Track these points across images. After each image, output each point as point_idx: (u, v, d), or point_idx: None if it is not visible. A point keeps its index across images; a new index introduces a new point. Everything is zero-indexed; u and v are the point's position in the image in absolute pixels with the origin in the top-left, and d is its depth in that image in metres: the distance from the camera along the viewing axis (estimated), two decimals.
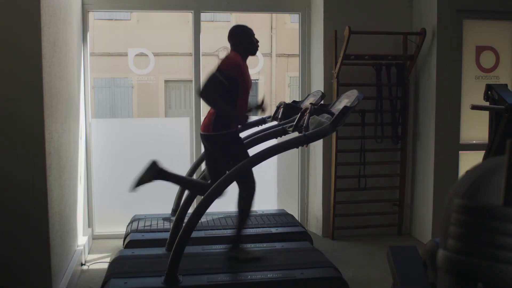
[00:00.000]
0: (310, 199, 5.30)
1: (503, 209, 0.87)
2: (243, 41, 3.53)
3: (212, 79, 3.35)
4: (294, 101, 4.31)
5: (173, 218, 4.06)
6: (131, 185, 3.51)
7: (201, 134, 3.59)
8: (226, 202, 4.83)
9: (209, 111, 3.58)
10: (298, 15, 5.25)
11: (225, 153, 3.53)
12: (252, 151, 3.56)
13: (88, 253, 4.57)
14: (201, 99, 3.59)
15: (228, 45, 3.56)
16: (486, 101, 3.62)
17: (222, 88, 3.37)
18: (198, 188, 3.76)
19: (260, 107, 3.85)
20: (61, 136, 3.58)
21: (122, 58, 5.29)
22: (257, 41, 3.61)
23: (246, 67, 3.54)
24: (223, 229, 4.40)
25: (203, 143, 3.66)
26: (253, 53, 3.61)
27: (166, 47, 6.51)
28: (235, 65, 3.41)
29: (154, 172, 3.48)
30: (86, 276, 3.99)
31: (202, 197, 3.32)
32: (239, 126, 3.64)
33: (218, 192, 3.29)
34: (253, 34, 3.59)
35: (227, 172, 3.39)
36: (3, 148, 2.97)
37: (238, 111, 3.45)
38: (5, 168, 2.99)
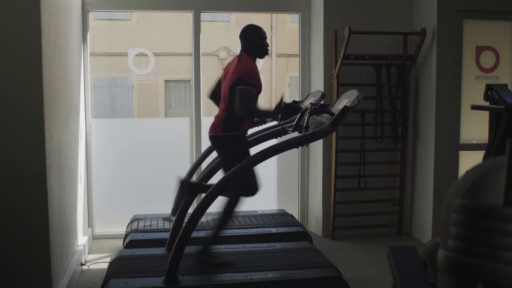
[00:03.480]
0: (310, 199, 5.30)
1: (503, 209, 0.87)
2: (255, 43, 3.52)
3: (247, 95, 3.33)
4: (294, 101, 4.31)
5: (173, 218, 4.07)
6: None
7: (210, 136, 3.57)
8: None
9: (218, 113, 3.57)
10: (298, 15, 5.25)
11: (231, 155, 3.51)
12: (252, 151, 3.56)
13: (88, 253, 4.57)
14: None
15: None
16: (486, 101, 3.62)
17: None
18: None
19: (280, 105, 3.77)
20: (61, 136, 3.59)
21: (122, 58, 5.29)
22: (268, 45, 3.61)
23: (257, 68, 3.57)
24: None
25: (212, 145, 3.65)
26: (262, 56, 3.61)
27: (166, 47, 6.51)
28: (255, 72, 3.43)
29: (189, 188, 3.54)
30: (86, 276, 3.99)
31: (203, 196, 3.33)
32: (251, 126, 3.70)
33: (217, 192, 3.29)
34: (265, 37, 3.59)
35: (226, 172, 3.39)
36: (3, 148, 2.97)
37: (271, 109, 3.50)
38: (5, 168, 2.99)
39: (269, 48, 3.63)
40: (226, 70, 3.64)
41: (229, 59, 3.77)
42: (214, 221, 4.57)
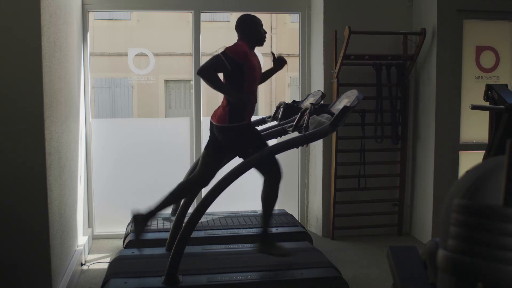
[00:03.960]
0: (310, 199, 5.30)
1: (503, 209, 0.87)
2: (250, 31, 3.47)
3: (215, 60, 3.30)
4: (294, 101, 4.31)
5: (173, 218, 4.06)
6: (136, 236, 3.44)
7: (215, 126, 3.44)
8: (226, 202, 4.84)
9: (222, 102, 3.48)
10: (298, 15, 5.25)
11: (244, 143, 3.45)
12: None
13: (88, 253, 4.57)
14: (201, 79, 3.47)
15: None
16: (486, 101, 3.62)
17: (226, 72, 3.34)
18: (182, 191, 3.62)
19: (276, 60, 3.69)
20: (61, 136, 3.59)
21: (122, 58, 5.29)
22: (265, 32, 3.57)
23: (255, 56, 3.48)
24: (223, 229, 4.40)
25: (216, 135, 3.49)
26: (260, 43, 3.55)
27: (166, 47, 6.51)
28: (241, 51, 3.34)
29: (142, 221, 3.41)
30: (86, 276, 3.99)
31: (203, 197, 3.32)
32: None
33: (217, 192, 3.28)
34: (261, 25, 3.53)
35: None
36: (3, 148, 2.97)
37: (234, 90, 3.34)
38: (5, 168, 2.99)
39: (266, 35, 3.58)
40: None
41: None
42: (233, 220, 4.57)
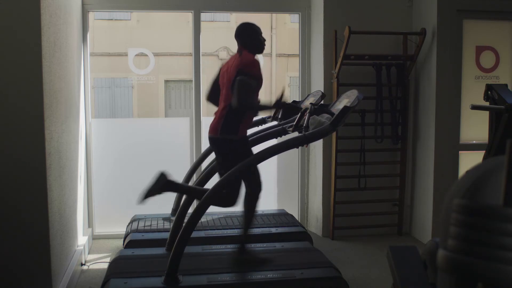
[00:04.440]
0: (310, 199, 5.30)
1: (503, 209, 0.87)
2: (250, 39, 3.50)
3: (247, 87, 3.28)
4: (294, 101, 4.31)
5: (173, 218, 4.07)
6: (140, 197, 3.43)
7: (209, 137, 3.54)
8: None
9: (217, 114, 3.50)
10: (298, 15, 5.25)
11: (228, 157, 3.46)
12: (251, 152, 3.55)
13: (88, 253, 4.57)
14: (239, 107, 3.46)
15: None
16: (486, 101, 3.62)
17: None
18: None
19: (280, 100, 3.63)
20: (61, 136, 3.58)
21: (122, 58, 5.29)
22: (264, 40, 3.59)
23: (259, 63, 3.52)
24: (223, 229, 4.40)
25: (211, 146, 3.61)
26: (260, 51, 3.57)
27: (166, 47, 6.50)
28: (257, 64, 3.38)
29: (162, 184, 3.37)
30: (86, 276, 3.99)
31: (203, 197, 3.32)
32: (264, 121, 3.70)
33: (217, 192, 3.28)
34: (260, 33, 3.57)
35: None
36: (3, 147, 2.97)
37: (271, 104, 3.44)
38: (5, 168, 2.99)
39: (265, 42, 3.60)
40: (225, 68, 3.59)
41: (228, 58, 3.74)
42: (233, 220, 4.58)
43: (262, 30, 3.62)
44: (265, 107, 3.47)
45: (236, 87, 3.28)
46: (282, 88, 3.55)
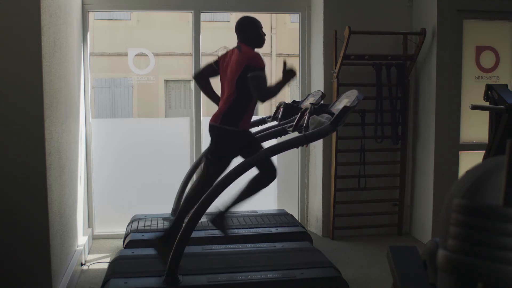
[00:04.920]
0: (310, 199, 5.30)
1: (503, 209, 0.87)
2: (250, 33, 3.50)
3: (262, 80, 3.33)
4: (294, 101, 4.31)
5: (173, 218, 4.06)
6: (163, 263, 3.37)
7: (209, 125, 3.52)
8: None
9: (220, 105, 3.52)
10: (298, 15, 5.25)
11: (220, 147, 3.48)
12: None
13: (88, 253, 4.57)
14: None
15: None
16: (486, 101, 3.61)
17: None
18: (199, 190, 3.63)
19: (286, 71, 3.56)
20: (61, 136, 3.58)
21: (122, 58, 5.29)
22: (264, 34, 3.58)
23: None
24: None
25: (209, 133, 3.56)
26: (260, 45, 3.57)
27: (166, 47, 6.51)
28: (260, 56, 3.40)
29: (165, 244, 3.40)
30: (86, 276, 3.99)
31: (204, 196, 3.32)
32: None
33: (217, 192, 3.28)
34: (261, 27, 3.56)
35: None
36: (3, 148, 2.97)
37: (280, 80, 3.44)
38: (5, 168, 2.99)
39: (265, 36, 3.60)
40: (223, 60, 3.58)
41: (225, 51, 3.72)
42: (233, 220, 4.58)
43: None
44: (279, 86, 3.44)
45: (254, 84, 3.32)
46: (283, 60, 3.55)
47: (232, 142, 3.47)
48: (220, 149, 3.50)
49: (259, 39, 3.54)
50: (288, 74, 3.45)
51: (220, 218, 3.53)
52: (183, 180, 4.52)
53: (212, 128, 3.51)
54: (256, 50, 3.52)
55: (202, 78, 3.74)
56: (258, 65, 3.34)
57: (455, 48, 4.71)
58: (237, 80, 3.40)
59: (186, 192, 3.61)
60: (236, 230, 4.37)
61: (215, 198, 3.24)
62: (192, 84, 5.10)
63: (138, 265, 3.48)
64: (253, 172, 3.48)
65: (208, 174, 3.52)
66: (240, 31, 3.52)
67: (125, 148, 5.11)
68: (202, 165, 3.80)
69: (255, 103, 3.52)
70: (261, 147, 3.53)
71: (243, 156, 3.53)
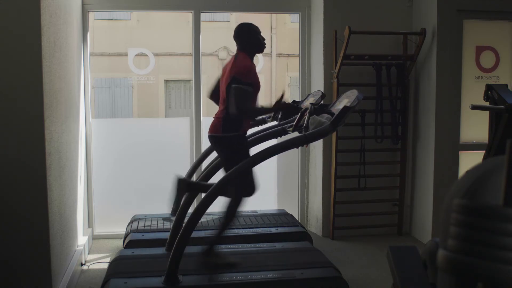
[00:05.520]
0: (310, 199, 5.30)
1: (503, 209, 0.87)
2: (249, 40, 3.50)
3: (245, 93, 3.30)
4: (294, 101, 4.31)
5: (173, 218, 4.06)
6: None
7: (209, 136, 3.54)
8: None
9: (217, 113, 3.54)
10: (298, 15, 5.25)
11: (231, 155, 3.48)
12: (252, 151, 3.56)
13: (88, 253, 4.57)
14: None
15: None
16: (486, 101, 3.61)
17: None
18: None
19: (280, 101, 3.57)
20: (61, 136, 3.58)
21: (122, 58, 5.29)
22: (264, 39, 3.58)
23: (255, 67, 3.52)
24: None
25: (212, 145, 3.61)
26: (260, 51, 3.57)
27: (166, 47, 6.50)
28: (251, 70, 3.38)
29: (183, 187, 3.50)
30: (86, 276, 3.99)
31: (203, 196, 3.32)
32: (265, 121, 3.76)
33: (218, 192, 3.28)
34: (259, 32, 3.55)
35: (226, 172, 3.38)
36: (3, 148, 2.97)
37: (271, 106, 3.43)
38: (5, 168, 2.99)
39: (265, 41, 3.59)
40: (224, 69, 3.62)
41: (229, 59, 3.74)
42: (218, 221, 4.56)
43: (262, 30, 3.62)
44: (265, 110, 3.50)
45: (233, 96, 3.31)
46: (282, 91, 3.54)
47: (238, 145, 3.47)
48: (233, 155, 3.48)
49: (259, 45, 3.54)
50: (280, 106, 3.43)
51: (211, 254, 3.48)
52: None
53: (214, 139, 3.50)
54: (256, 60, 3.53)
55: (214, 95, 3.74)
56: (244, 78, 3.32)
57: (455, 48, 4.71)
58: (226, 89, 3.42)
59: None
60: (236, 230, 4.37)
61: (215, 198, 3.25)
62: (193, 84, 5.10)
63: (138, 265, 3.48)
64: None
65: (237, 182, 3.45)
66: (238, 39, 3.52)
67: (125, 148, 5.11)
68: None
69: (256, 99, 3.52)
70: (248, 155, 3.49)
71: (225, 158, 3.53)
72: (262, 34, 3.59)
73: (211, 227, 4.45)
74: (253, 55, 3.53)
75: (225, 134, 3.44)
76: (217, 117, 3.52)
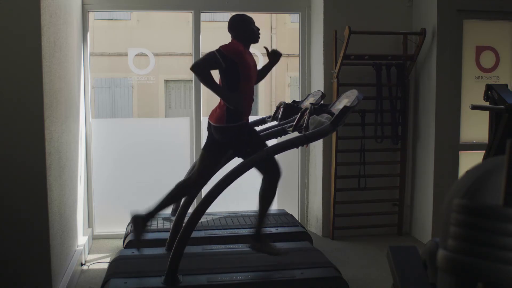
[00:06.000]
0: (310, 199, 5.30)
1: (503, 209, 0.87)
2: (243, 30, 3.46)
3: (208, 56, 3.28)
4: (294, 101, 4.31)
5: (173, 218, 4.06)
6: (136, 237, 3.46)
7: (213, 126, 3.42)
8: (226, 202, 4.84)
9: (219, 102, 3.45)
10: (298, 15, 5.25)
11: (242, 142, 3.43)
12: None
13: (88, 253, 4.57)
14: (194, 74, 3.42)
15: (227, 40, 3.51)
16: (486, 101, 3.62)
17: (220, 69, 3.31)
18: (179, 191, 3.62)
19: (271, 54, 3.64)
20: (61, 136, 3.58)
21: (122, 58, 5.29)
22: (258, 29, 3.54)
23: (250, 55, 3.47)
24: (223, 229, 4.40)
25: (214, 135, 3.47)
26: (255, 41, 3.53)
27: (166, 47, 6.51)
28: (235, 49, 3.33)
29: (141, 222, 3.40)
30: (86, 276, 3.99)
31: (203, 197, 3.32)
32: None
33: (217, 192, 3.28)
34: (253, 23, 3.51)
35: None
36: (3, 148, 2.97)
37: (229, 92, 3.33)
38: (5, 168, 2.99)
39: (259, 31, 3.55)
40: None
41: None
42: (233, 220, 4.57)
43: (262, 30, 3.61)
44: (215, 86, 3.31)
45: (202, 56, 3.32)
46: (263, 46, 3.60)
47: (242, 135, 3.42)
48: (240, 144, 3.44)
49: (253, 35, 3.49)
50: (274, 56, 3.54)
51: (259, 240, 3.48)
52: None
53: (219, 130, 3.41)
54: (256, 60, 3.52)
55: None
56: (222, 47, 3.30)
57: (455, 48, 4.71)
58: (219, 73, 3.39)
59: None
60: (236, 230, 4.37)
61: (215, 198, 3.25)
62: (193, 84, 5.09)
63: (138, 265, 3.48)
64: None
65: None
66: (232, 29, 3.49)
67: (125, 148, 5.11)
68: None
69: (249, 89, 3.45)
70: (264, 142, 3.51)
71: (234, 150, 3.52)
72: (257, 25, 3.56)
73: (211, 227, 4.45)
74: (248, 45, 3.49)
75: (229, 124, 3.36)
76: (219, 106, 3.43)
